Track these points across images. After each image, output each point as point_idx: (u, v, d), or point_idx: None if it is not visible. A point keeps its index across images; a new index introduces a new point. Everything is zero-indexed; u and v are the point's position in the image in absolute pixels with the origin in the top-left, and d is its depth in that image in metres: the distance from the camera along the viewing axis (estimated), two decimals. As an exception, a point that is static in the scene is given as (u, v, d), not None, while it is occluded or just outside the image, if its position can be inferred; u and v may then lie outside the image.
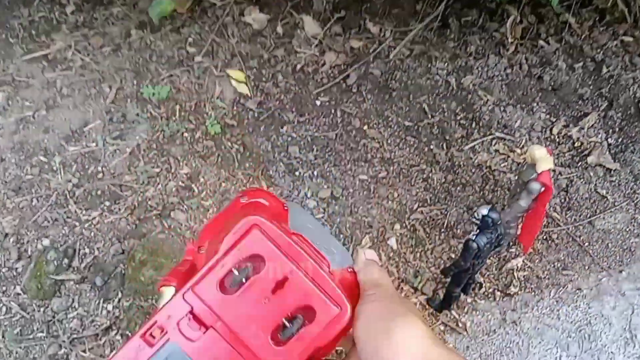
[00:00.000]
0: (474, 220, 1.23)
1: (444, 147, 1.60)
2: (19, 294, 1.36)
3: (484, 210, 1.21)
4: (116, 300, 1.34)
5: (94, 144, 1.58)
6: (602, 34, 1.77)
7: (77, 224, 1.45)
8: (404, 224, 1.47)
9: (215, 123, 1.60)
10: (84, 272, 1.38)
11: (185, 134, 1.60)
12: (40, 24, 1.81)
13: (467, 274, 1.25)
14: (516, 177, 1.51)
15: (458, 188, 1.52)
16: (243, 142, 1.59)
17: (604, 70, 1.72)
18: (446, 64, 1.74)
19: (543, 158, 1.20)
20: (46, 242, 1.42)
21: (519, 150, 1.58)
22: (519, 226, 1.39)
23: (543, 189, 1.23)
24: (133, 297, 1.34)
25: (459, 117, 1.65)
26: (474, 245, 1.17)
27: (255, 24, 1.82)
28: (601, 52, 1.74)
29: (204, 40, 1.78)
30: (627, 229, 1.46)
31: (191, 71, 1.71)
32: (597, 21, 1.80)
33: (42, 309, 1.34)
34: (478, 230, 1.22)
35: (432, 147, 1.59)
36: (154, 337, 0.48)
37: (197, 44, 1.78)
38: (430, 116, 1.65)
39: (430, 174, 1.54)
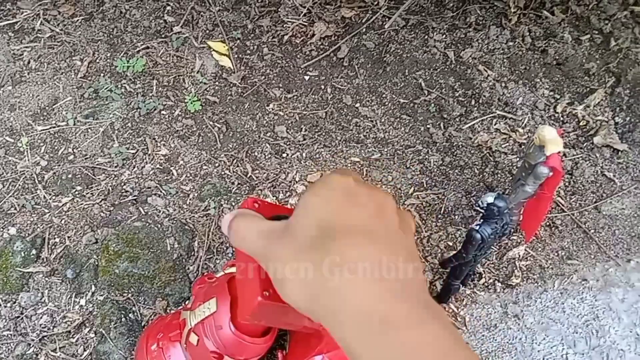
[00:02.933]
0: (477, 208, 1.13)
1: (442, 126, 1.49)
2: (-18, 288, 1.25)
3: (489, 198, 1.11)
4: (89, 294, 1.24)
5: (64, 123, 1.45)
6: (611, 4, 1.65)
7: (46, 210, 1.33)
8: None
9: (196, 100, 1.48)
10: (53, 263, 1.28)
11: (163, 112, 1.48)
12: (5, -9, 1.67)
13: (468, 266, 1.16)
14: (520, 160, 1.42)
15: (456, 171, 1.42)
16: (226, 121, 1.47)
17: (612, 43, 1.61)
18: (444, 35, 1.62)
19: (553, 140, 1.10)
20: (12, 230, 1.31)
21: (521, 130, 1.48)
22: (521, 212, 1.30)
23: (551, 173, 1.14)
24: (107, 291, 1.23)
25: (457, 94, 1.54)
26: (478, 236, 1.08)
27: (239, -9, 1.68)
28: (609, 23, 1.63)
29: (183, 8, 1.65)
30: (636, 215, 1.38)
31: (169, 42, 1.58)
32: (605, -10, 1.69)
33: (8, 305, 1.23)
34: (482, 220, 1.13)
35: (428, 126, 1.49)
36: None
37: (175, 13, 1.64)
38: (426, 93, 1.54)
39: (426, 156, 1.44)
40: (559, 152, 1.12)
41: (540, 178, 1.14)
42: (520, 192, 1.19)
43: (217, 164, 1.41)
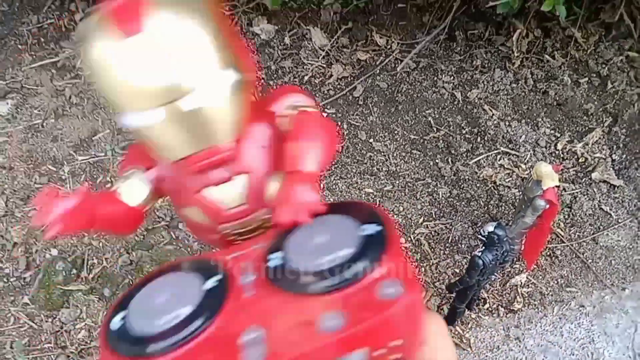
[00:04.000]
0: (479, 237, 1.24)
1: (449, 161, 1.61)
2: (27, 304, 1.37)
3: (490, 227, 1.22)
4: (124, 311, 1.35)
5: (103, 154, 1.59)
6: (608, 49, 1.78)
7: (85, 234, 1.46)
8: (409, 238, 1.48)
9: (223, 134, 1.61)
10: (92, 282, 1.39)
11: (193, 145, 1.60)
12: (49, 31, 1.83)
13: (472, 290, 1.26)
14: (521, 193, 1.52)
15: (463, 203, 1.53)
16: (250, 154, 1.60)
17: (609, 85, 1.73)
18: (452, 77, 1.75)
19: (549, 175, 1.21)
20: (54, 252, 1.43)
21: (523, 166, 1.59)
22: (522, 242, 1.40)
23: (548, 205, 1.25)
24: (140, 309, 1.35)
25: (464, 131, 1.66)
26: (480, 262, 1.19)
27: (263, 34, 1.83)
28: (606, 67, 1.75)
29: (212, 50, 1.79)
30: (631, 247, 1.48)
31: (199, 82, 1.72)
32: (603, 36, 1.81)
33: (50, 320, 1.35)
34: (484, 247, 1.23)
35: (437, 161, 1.61)
36: None
37: (205, 54, 1.78)
38: (435, 130, 1.66)
39: (435, 188, 1.56)
40: (556, 187, 1.23)
41: (538, 210, 1.25)
42: (520, 222, 1.30)
43: (241, 194, 1.52)
